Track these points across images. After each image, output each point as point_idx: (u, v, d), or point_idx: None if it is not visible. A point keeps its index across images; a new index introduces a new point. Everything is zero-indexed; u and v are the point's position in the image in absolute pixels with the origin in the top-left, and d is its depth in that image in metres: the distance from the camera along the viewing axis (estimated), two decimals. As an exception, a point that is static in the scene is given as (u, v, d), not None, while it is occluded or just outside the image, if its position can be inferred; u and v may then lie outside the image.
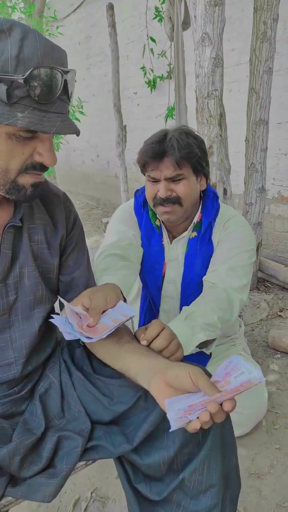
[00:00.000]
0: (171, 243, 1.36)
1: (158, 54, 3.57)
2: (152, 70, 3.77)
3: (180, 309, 1.36)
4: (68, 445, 0.83)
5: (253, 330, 2.16)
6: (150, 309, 1.42)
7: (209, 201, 1.32)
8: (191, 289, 1.31)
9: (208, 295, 1.18)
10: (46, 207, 0.89)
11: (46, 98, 0.64)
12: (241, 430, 1.45)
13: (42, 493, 0.76)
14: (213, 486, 0.80)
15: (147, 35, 3.61)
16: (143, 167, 1.22)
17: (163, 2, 2.87)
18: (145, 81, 3.86)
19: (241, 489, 0.92)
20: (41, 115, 0.64)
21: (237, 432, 1.41)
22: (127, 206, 1.40)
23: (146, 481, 0.86)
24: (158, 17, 3.17)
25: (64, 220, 0.91)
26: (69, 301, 0.88)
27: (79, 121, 4.18)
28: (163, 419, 0.80)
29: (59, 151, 4.48)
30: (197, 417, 0.65)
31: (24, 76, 0.61)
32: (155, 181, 1.21)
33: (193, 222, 1.32)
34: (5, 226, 0.79)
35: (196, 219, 1.32)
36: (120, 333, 0.89)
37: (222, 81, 1.89)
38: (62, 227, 0.90)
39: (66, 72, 0.66)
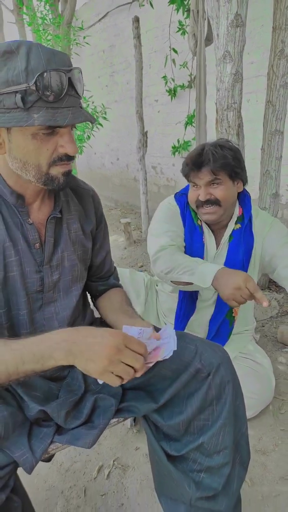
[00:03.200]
0: (216, 240, 1.56)
1: (180, 65, 3.74)
2: (173, 79, 3.95)
3: (218, 297, 1.55)
4: (104, 405, 0.98)
5: (263, 326, 2.30)
6: (190, 297, 1.60)
7: (246, 198, 1.53)
8: None
9: None
10: (78, 200, 1.05)
11: (55, 97, 0.74)
12: (251, 412, 1.60)
13: (83, 440, 0.91)
14: (226, 448, 0.96)
15: (170, 47, 3.78)
16: (187, 176, 1.45)
17: (187, 17, 3.04)
18: (166, 90, 4.03)
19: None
20: (54, 112, 0.75)
21: (247, 414, 1.57)
22: (172, 206, 1.60)
23: (167, 440, 1.02)
24: (181, 31, 3.34)
25: (93, 210, 1.07)
26: (94, 274, 1.15)
27: (102, 126, 4.39)
28: (184, 387, 0.97)
29: (82, 154, 4.68)
30: None
31: (33, 82, 0.72)
32: (196, 186, 1.43)
33: (235, 215, 1.53)
34: (48, 218, 0.94)
35: (237, 213, 1.53)
36: (120, 297, 1.14)
37: (241, 94, 2.05)
38: (92, 216, 1.07)
39: (69, 71, 0.76)
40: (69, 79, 0.76)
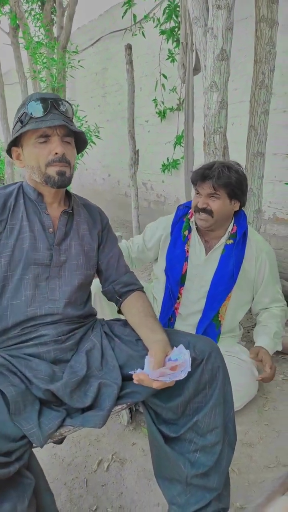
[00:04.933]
0: (205, 251, 1.77)
1: (170, 89, 3.98)
2: (163, 102, 4.19)
3: (207, 299, 1.75)
4: (107, 390, 1.11)
5: (248, 332, 2.46)
6: (169, 297, 1.80)
7: (241, 218, 1.74)
8: (222, 282, 1.71)
9: (275, 317, 1.82)
10: (88, 211, 1.32)
11: (39, 114, 1.09)
12: (238, 404, 1.74)
13: (94, 422, 1.04)
14: (216, 428, 1.12)
15: (160, 72, 4.03)
16: (193, 183, 1.68)
17: (176, 46, 3.29)
18: (156, 112, 4.26)
19: (235, 453, 1.22)
20: (39, 123, 1.08)
21: (235, 405, 1.71)
22: (169, 219, 1.88)
23: (166, 423, 1.16)
24: (171, 58, 3.59)
25: (99, 220, 1.33)
26: (109, 275, 1.34)
27: (95, 144, 4.58)
28: None
29: (76, 170, 4.86)
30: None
31: (26, 108, 1.10)
32: (199, 194, 1.66)
33: (228, 231, 1.73)
34: (61, 213, 1.21)
35: (230, 230, 1.73)
36: (142, 307, 1.26)
37: (226, 120, 2.26)
38: (98, 223, 1.32)
39: (52, 99, 1.11)
40: (52, 103, 1.11)
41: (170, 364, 1.02)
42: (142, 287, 1.37)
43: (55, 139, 1.10)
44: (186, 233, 1.77)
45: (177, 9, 2.92)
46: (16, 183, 1.24)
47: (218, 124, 2.25)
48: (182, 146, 4.02)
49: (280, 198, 3.18)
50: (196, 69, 2.62)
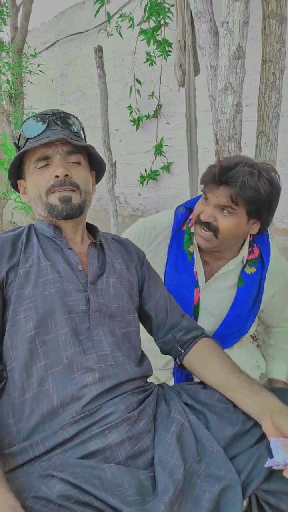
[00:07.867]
0: (205, 276, 1.32)
1: (149, 95, 3.69)
2: (138, 109, 3.89)
3: (218, 333, 1.31)
4: (228, 494, 0.78)
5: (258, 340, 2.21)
6: None
7: (265, 239, 1.32)
8: (238, 322, 1.32)
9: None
10: (120, 244, 1.12)
11: (35, 133, 0.93)
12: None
13: None
14: None
15: (134, 77, 3.73)
16: (204, 183, 1.19)
17: (158, 48, 3.01)
18: (131, 120, 3.96)
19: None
20: (34, 143, 0.92)
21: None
22: (167, 226, 1.33)
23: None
24: (149, 62, 3.30)
25: (134, 251, 1.12)
26: (163, 321, 1.09)
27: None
28: None
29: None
30: None
31: (21, 130, 0.96)
32: (207, 201, 1.18)
33: (243, 256, 1.30)
34: (88, 245, 1.00)
35: (246, 253, 1.30)
36: (223, 360, 1.00)
37: (241, 125, 2.01)
38: (134, 255, 1.11)
39: (51, 114, 0.95)
40: (51, 118, 0.94)
41: None
42: (204, 330, 1.12)
43: (56, 159, 0.92)
44: (191, 249, 1.27)
45: (162, 5, 2.64)
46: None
47: (233, 131, 1.99)
48: (164, 156, 3.75)
49: (280, 208, 3.00)
50: (195, 71, 2.35)
